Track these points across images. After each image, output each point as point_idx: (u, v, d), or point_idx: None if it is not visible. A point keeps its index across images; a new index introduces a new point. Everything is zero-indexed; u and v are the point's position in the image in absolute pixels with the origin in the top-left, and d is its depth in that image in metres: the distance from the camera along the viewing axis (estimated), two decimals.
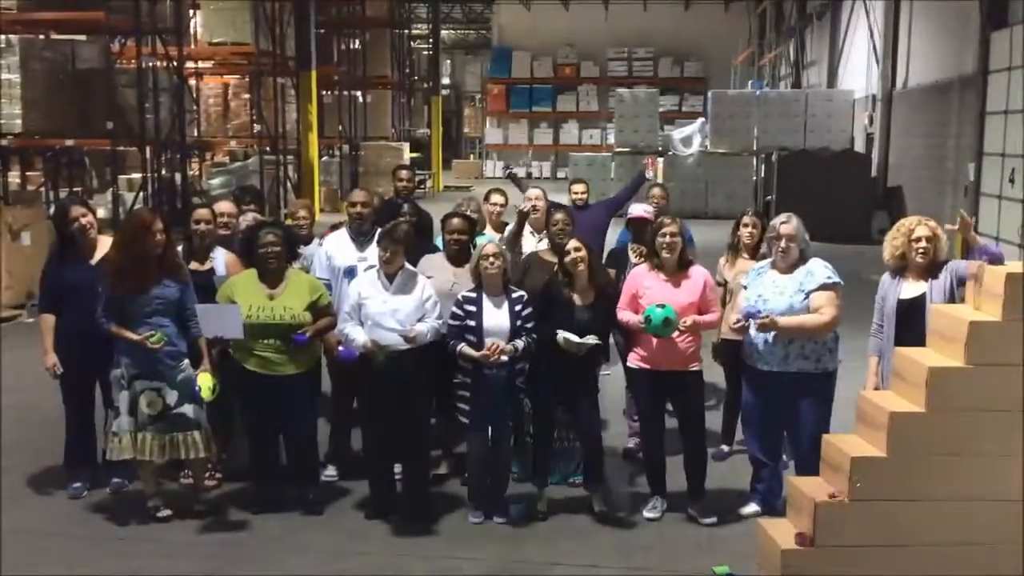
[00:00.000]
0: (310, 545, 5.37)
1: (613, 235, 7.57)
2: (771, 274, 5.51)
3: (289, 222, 6.87)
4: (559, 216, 6.33)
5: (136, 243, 5.41)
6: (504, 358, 5.46)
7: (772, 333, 5.36)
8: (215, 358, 5.65)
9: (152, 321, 5.39)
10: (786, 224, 5.46)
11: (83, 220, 5.82)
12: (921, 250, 5.29)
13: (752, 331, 5.44)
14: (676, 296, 5.53)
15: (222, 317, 5.45)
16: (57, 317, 5.80)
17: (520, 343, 5.52)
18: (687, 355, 5.59)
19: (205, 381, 5.41)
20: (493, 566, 5.15)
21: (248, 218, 6.75)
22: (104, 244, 5.82)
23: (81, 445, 6.01)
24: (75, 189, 15.51)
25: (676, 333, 5.45)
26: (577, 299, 5.61)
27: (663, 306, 5.36)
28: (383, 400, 5.55)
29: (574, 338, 5.43)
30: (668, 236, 5.59)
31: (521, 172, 34.63)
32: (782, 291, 5.40)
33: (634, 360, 5.69)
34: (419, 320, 5.52)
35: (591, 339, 5.47)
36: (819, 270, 5.42)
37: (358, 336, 5.48)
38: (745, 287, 5.61)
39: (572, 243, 5.64)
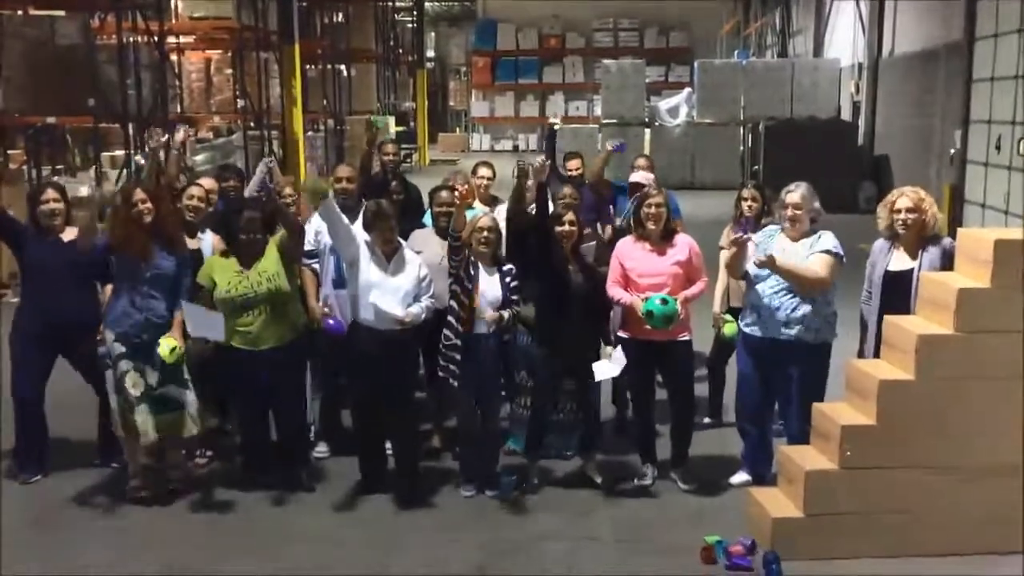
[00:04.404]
0: (299, 524, 5.36)
1: None
2: (781, 238, 5.48)
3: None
4: (567, 191, 6.31)
5: (119, 213, 5.42)
6: (490, 322, 5.45)
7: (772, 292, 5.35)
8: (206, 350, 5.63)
9: (144, 291, 5.39)
10: (792, 193, 5.44)
11: (52, 204, 5.71)
12: (901, 220, 5.28)
13: (751, 267, 5.43)
14: (662, 265, 5.53)
15: (206, 319, 5.44)
16: (23, 294, 5.71)
17: (507, 313, 5.51)
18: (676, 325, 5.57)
19: (165, 344, 5.30)
20: (484, 541, 5.15)
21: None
22: (72, 229, 5.72)
23: (30, 432, 5.84)
24: (58, 167, 15.33)
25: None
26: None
27: (666, 301, 5.34)
28: (371, 377, 5.52)
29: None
30: (653, 207, 5.59)
31: (510, 145, 34.48)
32: (790, 257, 5.37)
33: (623, 331, 5.68)
34: (414, 299, 5.52)
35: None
36: (827, 239, 5.40)
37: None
38: (756, 244, 5.56)
39: (570, 215, 5.63)
